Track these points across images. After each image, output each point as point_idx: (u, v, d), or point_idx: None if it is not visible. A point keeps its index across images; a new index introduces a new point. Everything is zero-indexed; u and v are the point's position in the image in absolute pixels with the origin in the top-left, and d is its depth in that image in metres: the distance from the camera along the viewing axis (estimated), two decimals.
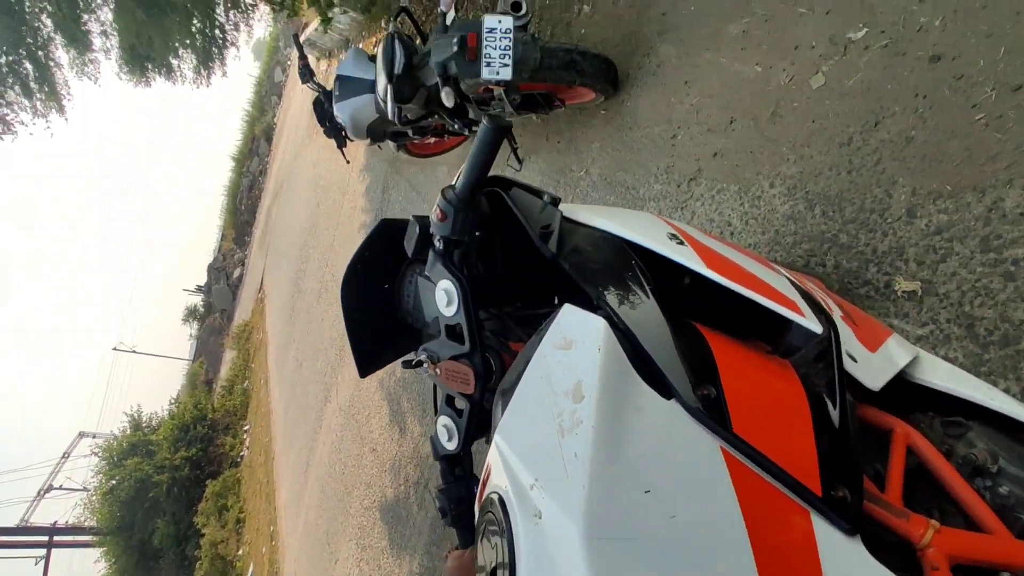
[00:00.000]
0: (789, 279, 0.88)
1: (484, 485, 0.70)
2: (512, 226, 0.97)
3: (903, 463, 0.72)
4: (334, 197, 8.70)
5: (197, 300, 30.30)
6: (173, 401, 18.91)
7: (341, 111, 3.34)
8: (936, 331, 1.33)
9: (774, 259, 1.68)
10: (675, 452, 0.59)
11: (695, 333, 0.74)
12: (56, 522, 19.11)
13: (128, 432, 16.47)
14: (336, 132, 3.70)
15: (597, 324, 0.68)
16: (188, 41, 5.52)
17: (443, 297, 0.90)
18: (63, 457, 23.54)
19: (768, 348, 0.80)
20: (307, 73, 3.60)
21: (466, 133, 2.92)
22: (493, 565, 0.58)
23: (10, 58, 4.80)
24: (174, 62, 5.75)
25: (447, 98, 2.30)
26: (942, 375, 0.82)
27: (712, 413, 0.61)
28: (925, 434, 0.75)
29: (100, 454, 15.39)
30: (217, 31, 5.73)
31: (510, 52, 2.02)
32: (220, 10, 5.59)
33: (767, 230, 1.82)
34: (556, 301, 1.14)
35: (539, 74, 2.22)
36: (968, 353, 1.29)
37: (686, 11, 2.33)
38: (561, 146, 3.01)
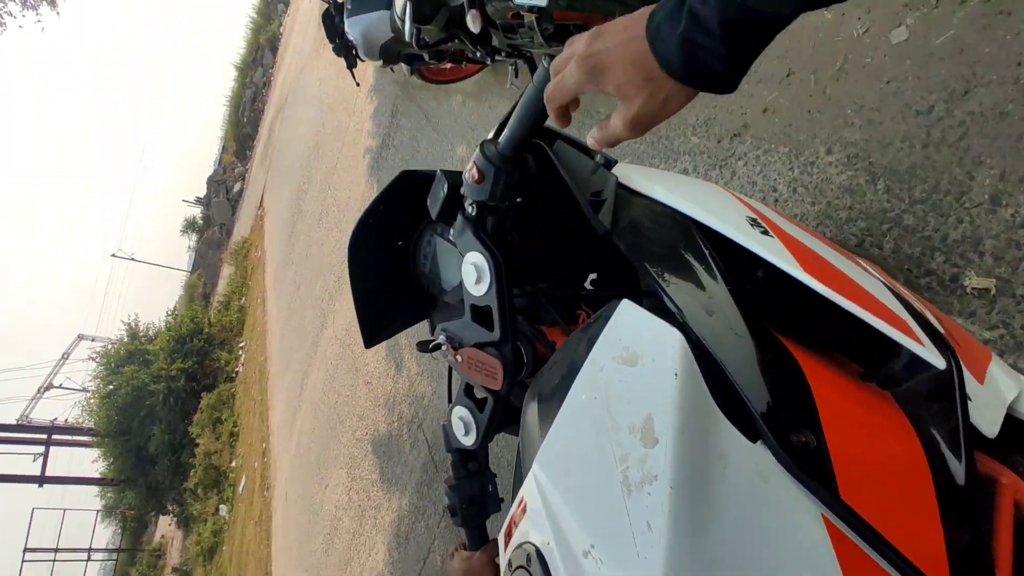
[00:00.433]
0: (883, 282, 0.73)
1: (514, 522, 0.57)
2: (548, 187, 0.81)
3: (1011, 527, 0.59)
4: (340, 117, 8.33)
5: (196, 212, 30.06)
6: (170, 312, 19.02)
7: (353, 27, 3.12)
8: (1007, 336, 1.19)
9: (823, 235, 1.52)
10: (768, 522, 0.46)
11: (779, 347, 0.59)
12: (55, 420, 19.64)
13: (126, 340, 16.69)
14: (346, 50, 3.52)
15: (672, 338, 0.53)
16: None
17: (472, 273, 0.75)
18: (63, 358, 23.95)
19: (859, 370, 0.67)
20: None
21: (487, 62, 2.68)
22: None
23: None
24: None
25: (473, 22, 2.06)
26: None
27: (812, 468, 0.48)
28: None
29: (98, 360, 15.64)
30: None
31: None
32: None
33: (818, 201, 1.65)
34: (590, 280, 0.99)
35: (578, 2, 1.97)
36: None
37: None
38: None
